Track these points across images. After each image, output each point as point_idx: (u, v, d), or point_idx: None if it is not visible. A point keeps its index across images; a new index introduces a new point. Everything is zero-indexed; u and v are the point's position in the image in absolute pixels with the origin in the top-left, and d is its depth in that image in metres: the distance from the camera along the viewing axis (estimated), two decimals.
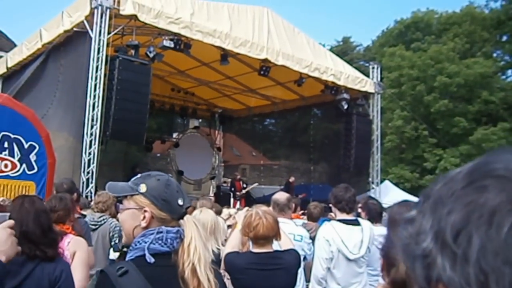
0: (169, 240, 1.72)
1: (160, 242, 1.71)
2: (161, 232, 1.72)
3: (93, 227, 5.04)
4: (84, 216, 5.60)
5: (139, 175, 1.88)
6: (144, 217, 1.74)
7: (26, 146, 9.35)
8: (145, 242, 1.71)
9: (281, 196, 4.44)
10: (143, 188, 1.78)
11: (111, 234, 5.10)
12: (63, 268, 2.43)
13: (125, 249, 3.02)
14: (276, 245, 3.07)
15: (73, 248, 3.19)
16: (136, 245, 1.73)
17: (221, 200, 15.69)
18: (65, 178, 5.83)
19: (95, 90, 10.01)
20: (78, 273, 3.03)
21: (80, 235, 3.72)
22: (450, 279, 0.53)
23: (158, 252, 1.69)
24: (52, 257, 2.37)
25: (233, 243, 3.20)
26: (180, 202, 1.79)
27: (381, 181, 16.85)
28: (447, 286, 0.53)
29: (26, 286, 2.26)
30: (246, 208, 3.63)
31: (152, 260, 1.67)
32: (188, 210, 5.98)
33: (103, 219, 5.18)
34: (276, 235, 2.97)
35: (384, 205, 6.64)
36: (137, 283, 1.60)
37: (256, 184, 17.50)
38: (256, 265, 2.88)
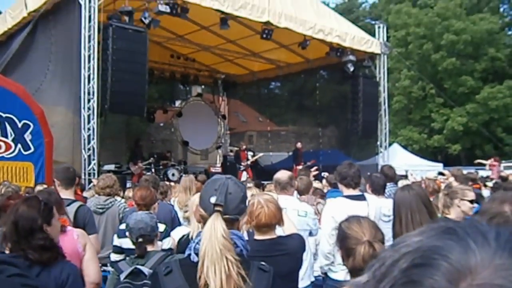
0: None
1: None
2: None
3: (100, 210, 5.03)
4: (86, 198, 5.59)
5: None
6: None
7: (19, 125, 8.94)
8: (194, 242, 1.83)
9: (283, 174, 4.43)
10: None
11: (120, 216, 5.06)
12: (69, 271, 2.45)
13: (140, 239, 3.19)
14: (279, 231, 3.08)
15: (83, 240, 3.26)
16: (190, 244, 1.87)
17: (228, 170, 15.41)
18: (66, 164, 5.57)
19: (89, 61, 9.60)
20: (94, 264, 3.21)
21: (78, 226, 3.78)
22: None
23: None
24: (41, 262, 2.34)
25: None
26: (212, 200, 1.84)
27: (390, 144, 16.54)
28: None
29: None
30: (251, 193, 3.50)
31: (196, 259, 1.77)
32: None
33: (110, 202, 5.15)
34: (279, 222, 2.94)
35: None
36: (177, 282, 1.76)
37: (261, 154, 17.14)
38: (260, 252, 2.77)
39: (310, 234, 4.19)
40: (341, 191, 4.22)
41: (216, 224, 1.79)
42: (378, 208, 4.12)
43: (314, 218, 4.33)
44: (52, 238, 2.58)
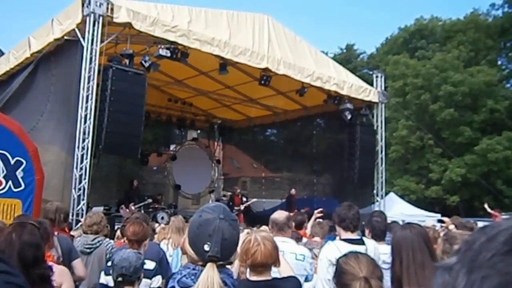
0: None
1: (193, 278, 1.75)
2: (197, 269, 1.77)
3: (88, 250, 4.90)
4: (73, 237, 5.47)
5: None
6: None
7: (12, 162, 8.85)
8: (180, 274, 1.78)
9: (280, 215, 4.27)
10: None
11: (107, 256, 4.89)
12: None
13: (120, 279, 3.14)
14: (275, 272, 2.91)
15: (59, 279, 3.11)
16: (174, 275, 1.83)
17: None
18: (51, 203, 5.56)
19: (87, 101, 9.59)
20: None
21: (59, 262, 3.69)
22: None
23: (187, 286, 1.75)
24: None
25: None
26: (206, 248, 1.77)
27: (386, 193, 16.46)
28: None
29: None
30: (247, 231, 3.48)
31: None
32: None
33: (98, 241, 5.02)
34: (275, 262, 2.77)
35: (390, 219, 6.31)
36: None
37: (255, 199, 17.03)
38: None
39: (306, 279, 3.97)
40: (339, 234, 4.07)
41: (213, 278, 1.74)
42: (378, 254, 3.94)
43: (311, 263, 4.17)
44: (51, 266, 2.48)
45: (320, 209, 7.20)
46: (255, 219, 14.29)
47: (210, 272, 1.74)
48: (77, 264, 4.10)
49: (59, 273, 3.10)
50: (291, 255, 3.85)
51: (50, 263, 3.08)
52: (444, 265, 0.64)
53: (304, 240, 6.13)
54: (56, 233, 4.62)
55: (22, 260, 2.21)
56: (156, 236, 6.40)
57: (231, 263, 1.95)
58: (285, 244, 3.82)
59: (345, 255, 2.21)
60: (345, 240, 3.87)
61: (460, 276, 0.59)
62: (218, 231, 1.78)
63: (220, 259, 1.79)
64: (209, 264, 1.76)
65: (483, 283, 0.56)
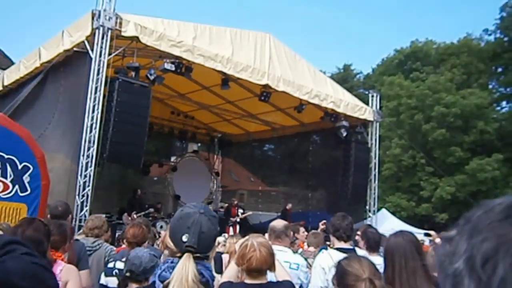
0: None
1: (171, 270, 1.78)
2: (175, 262, 1.81)
3: (88, 253, 4.85)
4: (77, 240, 5.46)
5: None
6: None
7: (20, 167, 9.05)
8: (160, 269, 1.84)
9: (278, 223, 4.37)
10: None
11: (106, 259, 4.96)
12: None
13: (127, 274, 3.14)
14: (272, 276, 2.98)
15: (66, 277, 3.10)
16: (156, 271, 1.88)
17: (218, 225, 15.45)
18: (59, 200, 5.66)
19: (93, 111, 9.78)
20: None
21: (72, 263, 3.66)
22: None
23: (167, 279, 1.78)
24: None
25: (230, 274, 3.07)
26: (184, 238, 1.82)
27: (378, 210, 16.69)
28: None
29: None
30: (246, 237, 3.48)
31: (161, 286, 1.78)
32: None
33: (98, 244, 5.05)
34: (271, 267, 2.86)
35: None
36: None
37: (251, 212, 17.31)
38: None
39: (300, 287, 4.07)
40: (332, 243, 4.17)
41: (188, 267, 1.78)
42: None
43: (306, 272, 4.24)
44: (52, 265, 2.56)
45: (324, 221, 7.29)
46: (251, 231, 14.43)
47: (185, 262, 1.79)
48: (83, 275, 3.96)
49: (66, 270, 3.16)
50: (285, 264, 3.86)
51: (59, 261, 3.20)
52: (445, 237, 0.69)
53: (300, 250, 6.36)
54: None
55: None
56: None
57: (208, 257, 1.95)
58: (280, 253, 3.85)
59: (346, 258, 2.24)
60: (338, 249, 3.98)
61: (460, 242, 0.63)
62: (196, 223, 1.86)
63: (197, 250, 1.84)
64: (185, 255, 1.82)
65: (482, 244, 0.60)
